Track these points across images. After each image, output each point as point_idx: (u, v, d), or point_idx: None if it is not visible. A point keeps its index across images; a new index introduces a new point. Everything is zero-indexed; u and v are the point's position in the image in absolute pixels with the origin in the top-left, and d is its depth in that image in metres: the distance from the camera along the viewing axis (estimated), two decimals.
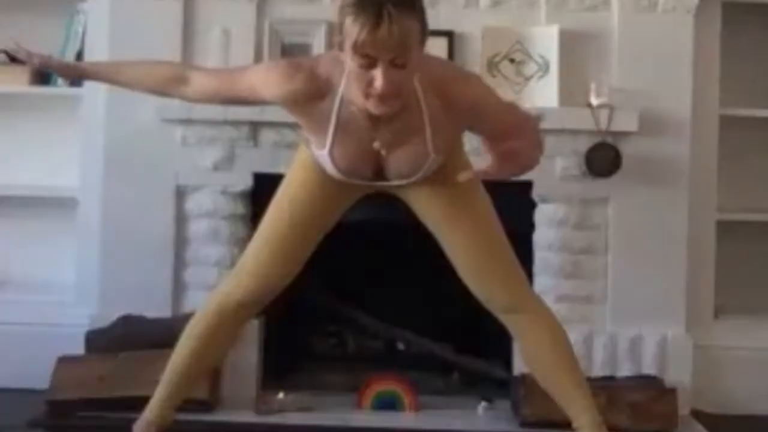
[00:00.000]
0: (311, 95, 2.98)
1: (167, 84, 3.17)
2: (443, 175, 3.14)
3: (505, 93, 4.35)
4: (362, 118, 2.94)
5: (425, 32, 2.83)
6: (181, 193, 4.46)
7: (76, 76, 3.54)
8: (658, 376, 4.38)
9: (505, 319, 3.39)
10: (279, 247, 3.26)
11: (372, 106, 2.83)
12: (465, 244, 3.26)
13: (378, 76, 2.75)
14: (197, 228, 4.46)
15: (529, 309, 3.37)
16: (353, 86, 2.85)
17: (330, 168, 3.09)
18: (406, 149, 3.01)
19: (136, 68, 3.25)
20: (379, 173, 3.10)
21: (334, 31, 2.87)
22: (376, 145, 3.02)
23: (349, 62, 2.79)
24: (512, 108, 3.12)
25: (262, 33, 4.47)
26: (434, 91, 2.95)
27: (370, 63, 2.75)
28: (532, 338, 3.38)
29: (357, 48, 2.73)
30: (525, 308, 3.36)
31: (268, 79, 3.00)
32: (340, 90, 2.95)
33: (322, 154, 3.06)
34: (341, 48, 2.82)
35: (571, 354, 3.42)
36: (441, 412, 4.24)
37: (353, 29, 2.72)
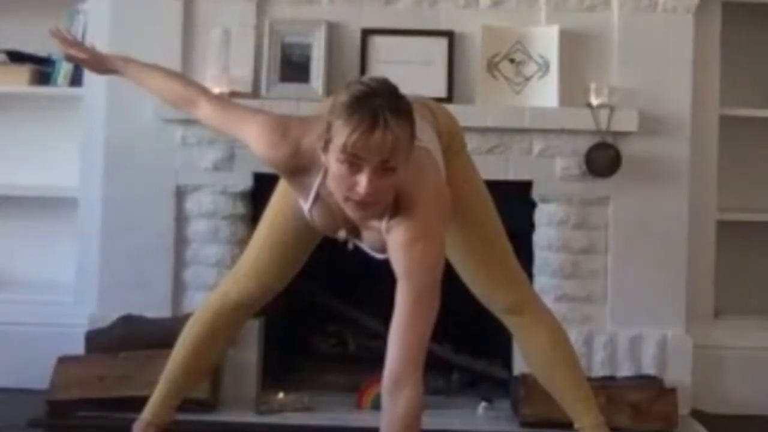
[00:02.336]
0: (291, 169, 2.93)
1: (179, 102, 3.20)
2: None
3: (506, 93, 4.43)
4: (335, 203, 2.84)
5: (413, 141, 2.72)
6: (181, 193, 4.45)
7: (106, 72, 3.50)
8: (658, 376, 4.38)
9: (506, 319, 3.40)
10: (276, 249, 3.25)
11: (350, 210, 2.73)
12: (466, 246, 3.26)
13: (363, 181, 2.63)
14: (197, 228, 4.45)
15: (530, 310, 3.37)
16: (334, 187, 2.74)
17: (309, 221, 3.04)
18: (372, 234, 2.91)
19: (157, 80, 3.27)
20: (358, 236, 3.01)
21: (322, 131, 2.72)
22: (341, 234, 2.98)
23: (333, 163, 2.68)
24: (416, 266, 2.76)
25: (262, 33, 4.47)
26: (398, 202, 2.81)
27: (356, 167, 2.64)
28: (532, 339, 3.39)
29: (346, 149, 2.61)
30: (526, 309, 3.36)
31: (256, 138, 2.94)
32: (319, 177, 2.88)
33: (304, 208, 3.01)
34: (325, 148, 2.69)
35: (571, 355, 3.44)
36: (441, 412, 4.22)
37: (345, 130, 2.61)
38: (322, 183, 2.86)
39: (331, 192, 2.79)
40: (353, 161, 2.63)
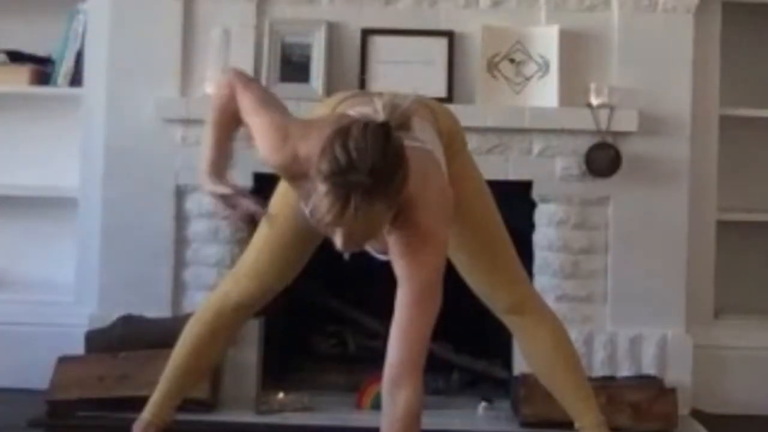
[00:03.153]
0: (291, 173, 2.93)
1: (236, 113, 3.11)
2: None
3: (506, 93, 4.43)
4: None
5: (397, 198, 2.65)
6: (181, 193, 4.43)
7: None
8: (658, 376, 4.38)
9: (507, 320, 3.38)
10: (277, 249, 3.24)
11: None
12: (467, 245, 3.24)
13: (337, 241, 2.64)
14: (197, 228, 4.44)
15: (531, 310, 3.36)
16: None
17: (312, 223, 2.98)
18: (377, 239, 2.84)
19: (227, 122, 3.15)
20: None
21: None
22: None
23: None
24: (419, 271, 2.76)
25: (262, 33, 4.45)
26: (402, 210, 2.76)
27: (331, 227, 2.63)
28: (533, 339, 3.38)
29: (321, 224, 2.61)
30: (527, 309, 3.35)
31: (260, 136, 2.94)
32: None
33: (306, 211, 2.91)
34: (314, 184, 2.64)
35: (572, 355, 3.42)
36: (441, 412, 4.21)
37: (319, 203, 2.58)
38: None
39: None
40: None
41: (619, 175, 4.37)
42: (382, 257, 2.92)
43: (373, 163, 2.57)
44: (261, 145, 2.94)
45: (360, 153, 2.57)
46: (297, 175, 2.89)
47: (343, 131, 2.62)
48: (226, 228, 4.42)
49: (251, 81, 3.18)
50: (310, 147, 2.77)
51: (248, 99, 3.06)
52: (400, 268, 2.75)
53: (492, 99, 4.42)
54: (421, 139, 2.84)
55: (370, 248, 2.96)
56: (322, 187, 2.58)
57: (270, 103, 3.05)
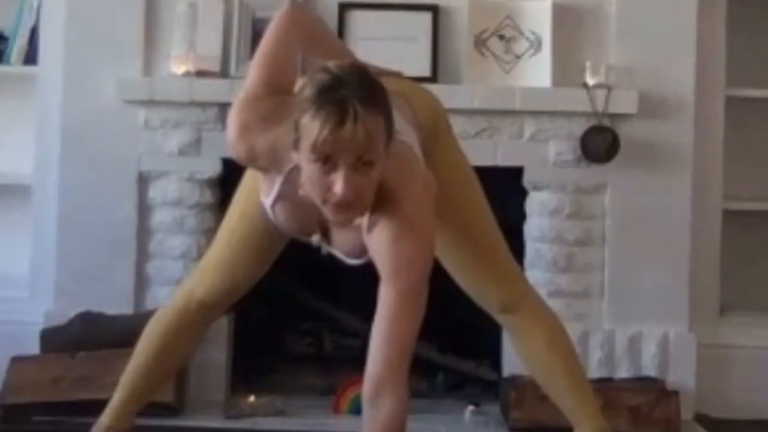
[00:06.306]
0: (251, 164, 2.87)
1: None
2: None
3: (495, 72, 4.38)
4: (302, 204, 2.73)
5: (391, 130, 2.58)
6: (143, 180, 4.39)
7: None
8: (659, 377, 4.34)
9: (501, 320, 3.31)
10: (244, 244, 3.13)
11: (329, 213, 2.61)
12: (453, 239, 3.15)
13: (339, 180, 2.51)
14: (161, 218, 4.40)
15: (526, 308, 3.28)
16: (309, 190, 2.61)
17: (271, 217, 2.94)
18: (346, 236, 2.80)
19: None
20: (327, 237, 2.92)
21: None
22: (315, 239, 2.88)
23: (305, 164, 2.55)
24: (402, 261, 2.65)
25: (231, 7, 4.41)
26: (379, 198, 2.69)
27: (330, 166, 2.51)
28: (529, 340, 3.29)
29: (316, 148, 2.48)
30: (521, 307, 3.26)
31: (230, 118, 2.82)
32: (281, 178, 2.79)
33: (265, 203, 2.91)
34: (295, 147, 2.56)
35: (571, 356, 3.34)
36: (425, 416, 4.16)
37: (312, 127, 2.48)
38: (285, 182, 2.78)
39: (296, 191, 2.68)
40: (326, 160, 2.51)
41: (617, 161, 4.31)
42: (353, 261, 2.85)
43: (359, 76, 2.55)
44: (228, 124, 2.83)
45: (344, 70, 2.56)
46: (256, 168, 2.86)
47: (318, 68, 2.59)
48: (192, 218, 4.37)
49: (296, 27, 3.05)
50: (270, 139, 2.73)
51: (262, 47, 3.00)
52: (384, 265, 2.65)
53: (480, 78, 4.38)
54: (397, 129, 2.72)
55: (340, 253, 2.89)
56: (310, 111, 2.49)
57: (259, 75, 2.91)
